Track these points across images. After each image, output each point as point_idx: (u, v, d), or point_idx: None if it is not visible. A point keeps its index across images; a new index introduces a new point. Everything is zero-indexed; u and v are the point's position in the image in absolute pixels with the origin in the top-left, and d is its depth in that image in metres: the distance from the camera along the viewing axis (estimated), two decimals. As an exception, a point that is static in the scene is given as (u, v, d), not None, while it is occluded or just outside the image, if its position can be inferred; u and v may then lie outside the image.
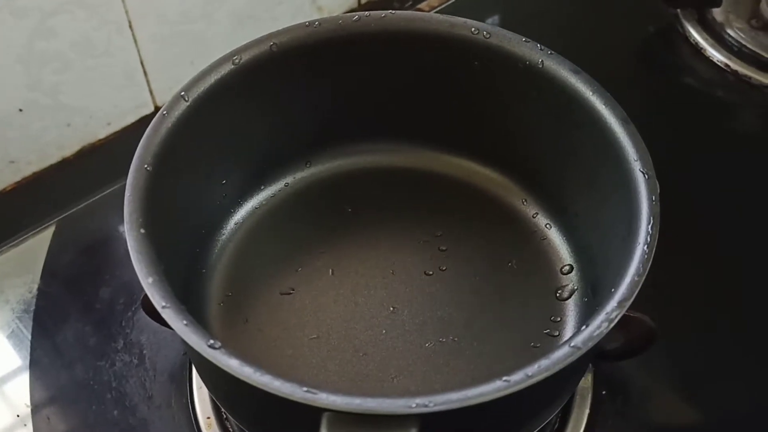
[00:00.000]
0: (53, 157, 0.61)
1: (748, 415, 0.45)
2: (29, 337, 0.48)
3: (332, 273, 0.44)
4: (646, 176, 0.36)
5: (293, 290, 0.43)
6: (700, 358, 0.46)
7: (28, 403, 0.45)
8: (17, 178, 0.60)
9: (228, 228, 0.45)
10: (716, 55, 0.62)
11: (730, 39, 0.63)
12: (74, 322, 0.48)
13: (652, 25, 0.66)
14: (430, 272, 0.44)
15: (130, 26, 0.59)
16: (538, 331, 0.42)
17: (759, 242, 0.52)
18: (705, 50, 0.62)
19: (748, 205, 0.53)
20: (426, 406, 0.29)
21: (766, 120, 0.60)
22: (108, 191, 0.55)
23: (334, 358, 0.40)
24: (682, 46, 0.63)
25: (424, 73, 0.43)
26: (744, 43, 0.62)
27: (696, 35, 0.63)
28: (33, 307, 0.49)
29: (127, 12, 0.58)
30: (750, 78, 0.60)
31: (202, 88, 0.39)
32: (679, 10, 0.65)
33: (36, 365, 0.47)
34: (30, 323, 0.48)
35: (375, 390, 0.39)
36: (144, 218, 0.34)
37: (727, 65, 0.61)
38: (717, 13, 0.64)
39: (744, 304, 0.49)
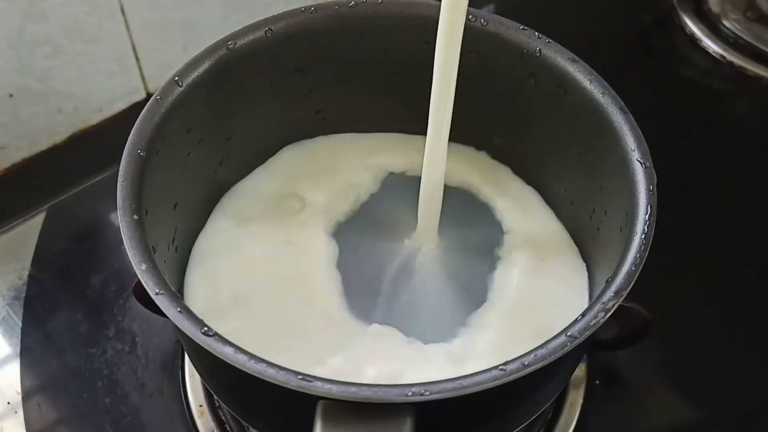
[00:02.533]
0: (44, 143, 0.60)
1: (741, 405, 0.45)
2: (20, 324, 0.47)
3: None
4: (644, 166, 0.35)
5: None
6: (694, 349, 0.47)
7: (19, 390, 0.45)
8: (7, 164, 0.59)
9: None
10: (712, 45, 0.62)
11: (725, 30, 0.63)
12: (65, 309, 0.48)
13: (648, 15, 0.66)
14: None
15: (122, 11, 0.58)
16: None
17: (755, 232, 0.52)
18: (701, 41, 0.62)
19: (744, 194, 0.54)
20: (422, 394, 0.29)
21: (761, 110, 0.60)
22: (99, 178, 0.55)
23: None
24: (678, 37, 0.63)
25: (420, 60, 0.43)
26: (739, 34, 0.62)
27: (692, 26, 0.63)
28: (24, 294, 0.49)
29: (119, -3, 0.57)
30: (745, 69, 0.60)
31: (196, 73, 0.38)
32: (675, 1, 0.65)
33: (27, 352, 0.46)
34: (20, 310, 0.48)
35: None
36: (137, 204, 0.34)
37: (722, 56, 0.61)
38: (713, 4, 0.64)
39: (739, 295, 0.49)
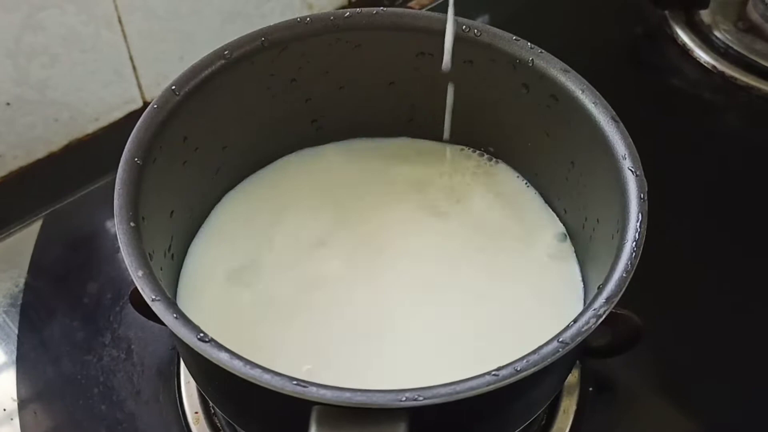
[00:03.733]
0: (40, 152, 0.61)
1: (733, 413, 0.45)
2: (16, 331, 0.48)
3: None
4: (635, 174, 0.36)
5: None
6: (685, 356, 0.47)
7: (15, 398, 0.45)
8: (3, 172, 0.59)
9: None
10: (703, 56, 0.63)
11: (717, 40, 0.63)
12: (61, 316, 0.48)
13: (640, 26, 0.67)
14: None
15: (120, 21, 0.59)
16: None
17: (747, 240, 0.52)
18: (692, 51, 0.63)
19: (736, 202, 0.54)
20: (415, 399, 0.29)
21: (751, 120, 0.61)
22: (95, 186, 0.55)
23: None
24: (670, 47, 0.64)
25: (414, 69, 0.43)
26: (730, 44, 0.63)
27: (684, 36, 0.64)
28: (20, 302, 0.49)
29: (116, 7, 0.58)
30: (736, 79, 0.61)
31: (193, 83, 0.39)
32: (667, 12, 0.65)
33: (23, 360, 0.46)
34: (17, 318, 0.48)
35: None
36: (134, 211, 0.34)
37: (714, 66, 0.62)
38: (704, 15, 0.65)
39: (731, 303, 0.49)
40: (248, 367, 0.30)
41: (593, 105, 0.38)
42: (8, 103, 0.57)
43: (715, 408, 0.45)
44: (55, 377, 0.46)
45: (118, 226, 0.33)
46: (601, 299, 0.32)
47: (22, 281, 0.50)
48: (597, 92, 0.39)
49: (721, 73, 0.61)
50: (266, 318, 0.40)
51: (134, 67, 0.62)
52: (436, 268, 0.43)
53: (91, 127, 0.62)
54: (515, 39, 0.41)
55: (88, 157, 0.61)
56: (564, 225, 0.44)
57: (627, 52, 0.66)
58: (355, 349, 0.39)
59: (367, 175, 0.47)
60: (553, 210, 0.45)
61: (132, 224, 0.34)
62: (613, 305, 0.32)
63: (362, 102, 0.46)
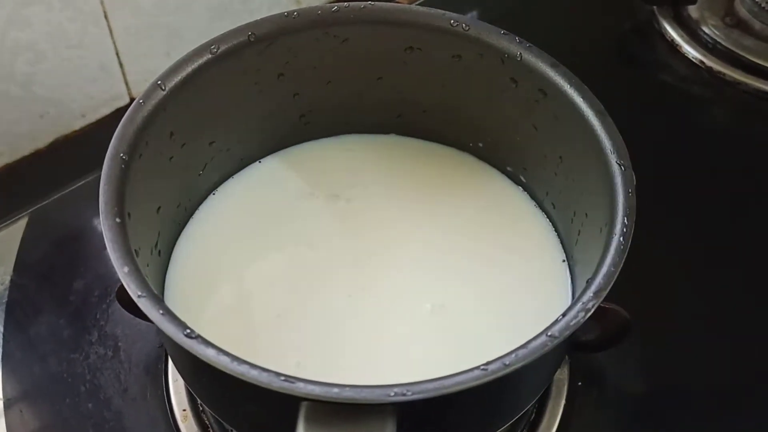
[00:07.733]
0: (26, 149, 0.60)
1: (720, 406, 0.45)
2: (1, 329, 0.47)
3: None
4: (623, 168, 0.36)
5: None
6: (673, 350, 0.47)
7: (1, 397, 0.45)
8: (-11, 169, 0.59)
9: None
10: (691, 51, 0.63)
11: (704, 36, 0.63)
12: (48, 314, 0.48)
13: (629, 21, 0.67)
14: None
15: (106, 17, 0.58)
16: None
17: (735, 234, 0.52)
18: (680, 47, 0.63)
19: (724, 197, 0.54)
20: (404, 394, 0.29)
21: (738, 115, 0.61)
22: (81, 183, 0.55)
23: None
24: (658, 43, 0.64)
25: (403, 64, 0.43)
26: (718, 40, 0.63)
27: (672, 32, 0.64)
28: (5, 299, 0.48)
29: (102, 3, 0.57)
30: (724, 74, 0.61)
31: (179, 77, 0.38)
32: (655, 7, 0.66)
33: (8, 358, 0.46)
34: (2, 315, 0.48)
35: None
36: (120, 207, 0.34)
37: (701, 62, 0.62)
38: (692, 11, 0.65)
39: (719, 296, 0.49)
40: (235, 363, 0.29)
41: (581, 99, 0.38)
42: (-7, 100, 0.57)
43: (705, 401, 0.46)
44: (41, 376, 0.46)
45: (103, 222, 0.33)
46: (590, 293, 0.32)
47: (7, 279, 0.49)
48: (585, 86, 0.39)
49: (709, 69, 0.62)
50: (254, 314, 0.40)
51: (121, 64, 0.61)
52: (424, 264, 0.43)
53: (77, 124, 0.62)
54: (503, 33, 0.41)
55: (75, 153, 0.61)
56: (552, 220, 0.44)
57: (615, 48, 0.66)
58: (343, 345, 0.39)
59: (356, 171, 0.47)
60: (541, 205, 0.45)
61: (117, 220, 0.33)
62: (601, 299, 0.32)
63: (350, 97, 0.46)
